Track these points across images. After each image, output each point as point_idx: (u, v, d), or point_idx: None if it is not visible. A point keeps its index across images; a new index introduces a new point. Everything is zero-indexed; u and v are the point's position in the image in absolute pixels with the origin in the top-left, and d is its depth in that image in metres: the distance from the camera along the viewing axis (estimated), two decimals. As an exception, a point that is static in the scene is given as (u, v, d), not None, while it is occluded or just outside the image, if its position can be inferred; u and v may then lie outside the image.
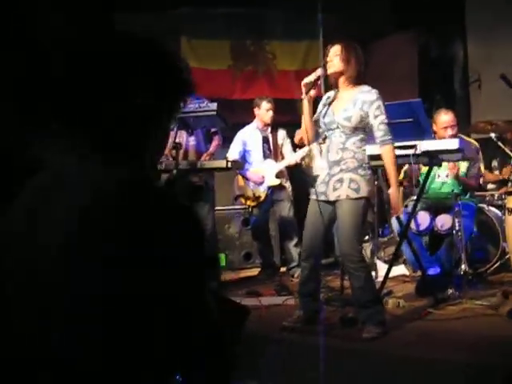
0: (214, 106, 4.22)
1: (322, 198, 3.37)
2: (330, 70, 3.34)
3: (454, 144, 3.75)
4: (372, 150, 3.50)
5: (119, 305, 0.98)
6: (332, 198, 3.32)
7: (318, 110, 3.47)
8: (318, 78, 3.34)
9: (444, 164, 4.35)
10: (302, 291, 3.53)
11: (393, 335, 3.27)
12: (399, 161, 3.98)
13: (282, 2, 6.43)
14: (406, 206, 4.78)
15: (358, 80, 3.38)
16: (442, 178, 4.73)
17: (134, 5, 6.37)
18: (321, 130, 3.46)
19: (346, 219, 3.25)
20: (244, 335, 1.55)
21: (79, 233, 1.00)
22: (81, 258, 0.99)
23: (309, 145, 3.59)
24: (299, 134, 4.82)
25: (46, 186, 1.08)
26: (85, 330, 0.97)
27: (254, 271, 5.60)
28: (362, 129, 3.35)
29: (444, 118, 4.63)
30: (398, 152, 3.79)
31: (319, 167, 3.49)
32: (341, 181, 3.29)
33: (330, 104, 3.41)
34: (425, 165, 4.12)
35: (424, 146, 3.73)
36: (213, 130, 4.83)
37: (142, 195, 1.04)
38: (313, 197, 3.42)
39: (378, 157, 3.86)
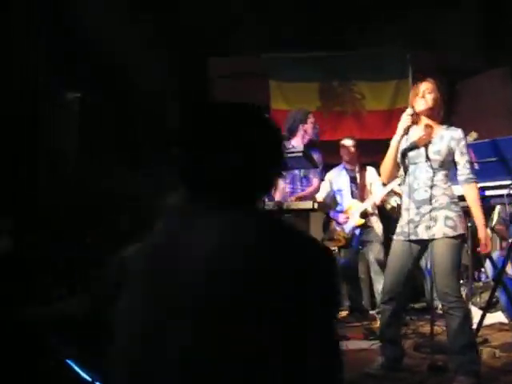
0: (301, 147, 4.26)
1: (412, 237, 3.26)
2: (420, 107, 3.29)
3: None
4: (460, 190, 3.38)
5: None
6: (426, 236, 3.21)
7: (401, 145, 3.38)
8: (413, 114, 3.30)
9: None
10: (383, 336, 3.41)
11: (485, 387, 3.07)
12: (493, 201, 3.83)
13: (368, 42, 6.44)
14: (502, 249, 4.53)
15: (441, 118, 3.34)
16: None
17: (225, 49, 6.64)
18: (403, 166, 3.36)
19: (445, 258, 3.14)
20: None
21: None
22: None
23: (388, 180, 3.53)
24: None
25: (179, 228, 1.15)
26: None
27: (342, 314, 5.49)
28: (447, 165, 3.27)
29: None
30: (492, 192, 3.65)
31: (403, 208, 3.38)
32: (435, 219, 3.18)
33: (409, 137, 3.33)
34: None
35: (518, 185, 3.55)
36: (311, 175, 4.88)
37: (286, 239, 1.11)
38: (400, 237, 3.33)
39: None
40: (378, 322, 4.84)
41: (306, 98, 6.94)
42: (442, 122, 3.34)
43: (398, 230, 3.35)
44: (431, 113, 3.30)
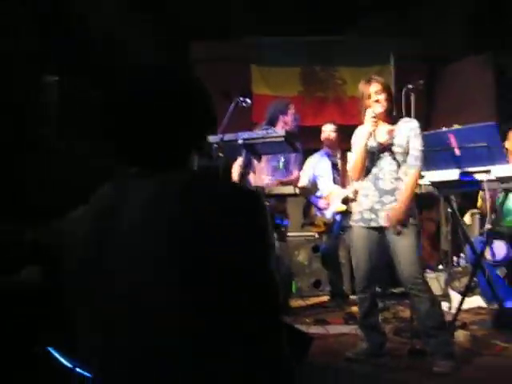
0: (283, 132, 4.23)
1: (373, 224, 3.34)
2: (378, 110, 3.34)
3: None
4: (440, 176, 3.42)
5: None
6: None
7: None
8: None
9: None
10: (364, 324, 3.44)
11: (463, 370, 3.11)
12: (473, 186, 3.86)
13: (350, 27, 6.44)
14: (481, 235, 4.58)
15: (392, 113, 3.42)
16: None
17: (207, 33, 6.57)
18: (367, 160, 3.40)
19: (408, 244, 3.23)
20: (307, 363, 1.52)
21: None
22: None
23: (358, 178, 3.52)
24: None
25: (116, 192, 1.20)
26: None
27: (324, 299, 5.52)
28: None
29: None
30: (471, 177, 3.67)
31: (361, 194, 3.44)
32: None
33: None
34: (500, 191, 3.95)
35: (498, 171, 3.58)
36: (291, 165, 4.86)
37: (207, 185, 1.16)
38: (359, 223, 3.39)
39: (449, 184, 3.76)
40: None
41: (288, 82, 6.93)
42: (393, 117, 3.41)
43: (357, 216, 3.41)
44: (387, 113, 3.37)
